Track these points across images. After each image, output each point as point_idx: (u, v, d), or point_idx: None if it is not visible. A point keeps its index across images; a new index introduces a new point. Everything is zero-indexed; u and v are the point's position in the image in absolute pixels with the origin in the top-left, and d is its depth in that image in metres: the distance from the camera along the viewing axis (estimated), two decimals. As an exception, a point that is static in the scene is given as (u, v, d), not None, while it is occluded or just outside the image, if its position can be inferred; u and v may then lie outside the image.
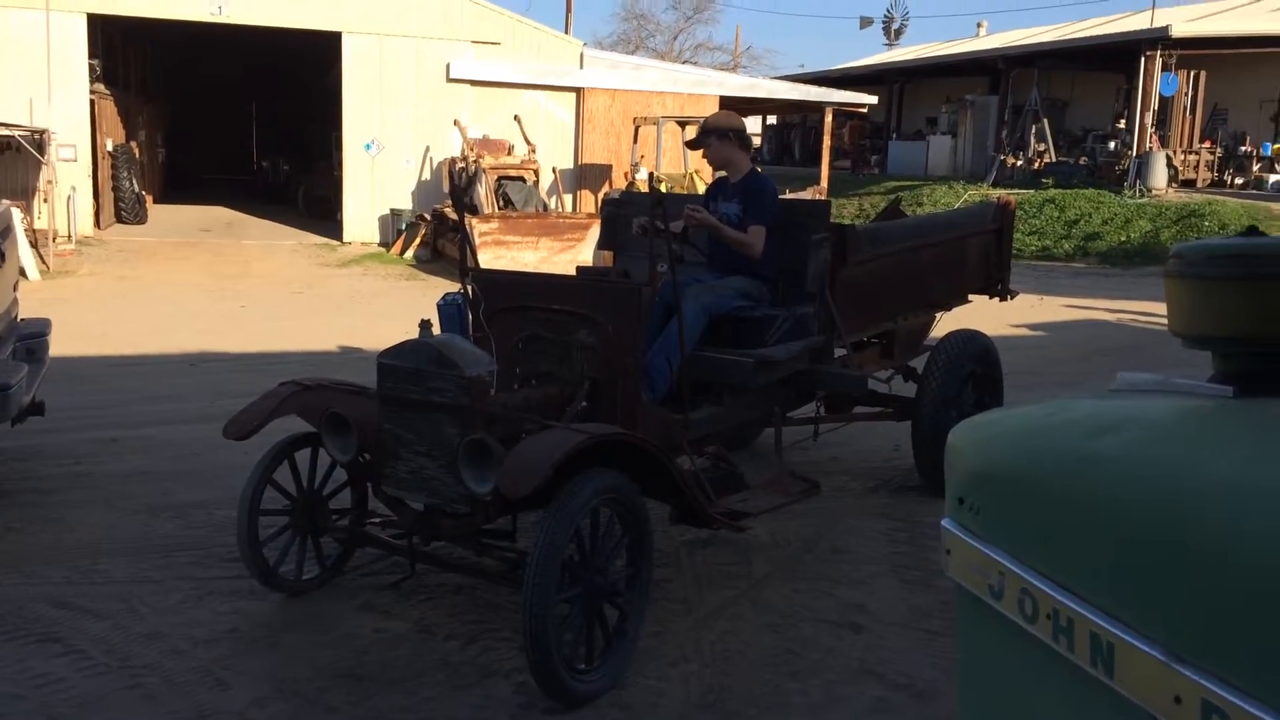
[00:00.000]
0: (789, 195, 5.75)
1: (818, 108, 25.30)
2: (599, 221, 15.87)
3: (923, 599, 4.60)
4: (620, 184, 19.21)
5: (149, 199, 22.14)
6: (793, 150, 38.37)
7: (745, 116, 41.81)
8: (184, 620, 4.26)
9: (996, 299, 6.87)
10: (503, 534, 4.21)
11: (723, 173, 5.52)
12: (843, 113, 28.66)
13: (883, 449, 6.76)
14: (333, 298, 13.45)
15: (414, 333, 8.66)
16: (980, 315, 6.55)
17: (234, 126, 34.75)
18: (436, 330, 5.12)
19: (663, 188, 16.84)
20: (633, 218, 5.40)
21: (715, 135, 5.28)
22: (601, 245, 6.68)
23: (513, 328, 4.49)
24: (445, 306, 5.37)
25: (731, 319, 4.98)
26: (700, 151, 5.68)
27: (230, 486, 5.78)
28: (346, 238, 19.26)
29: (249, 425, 4.30)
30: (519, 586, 3.66)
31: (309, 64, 23.83)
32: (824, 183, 22.40)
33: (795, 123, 39.27)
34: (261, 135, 35.23)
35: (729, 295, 5.04)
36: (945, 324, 6.57)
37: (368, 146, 19.14)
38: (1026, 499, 1.52)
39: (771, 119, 41.63)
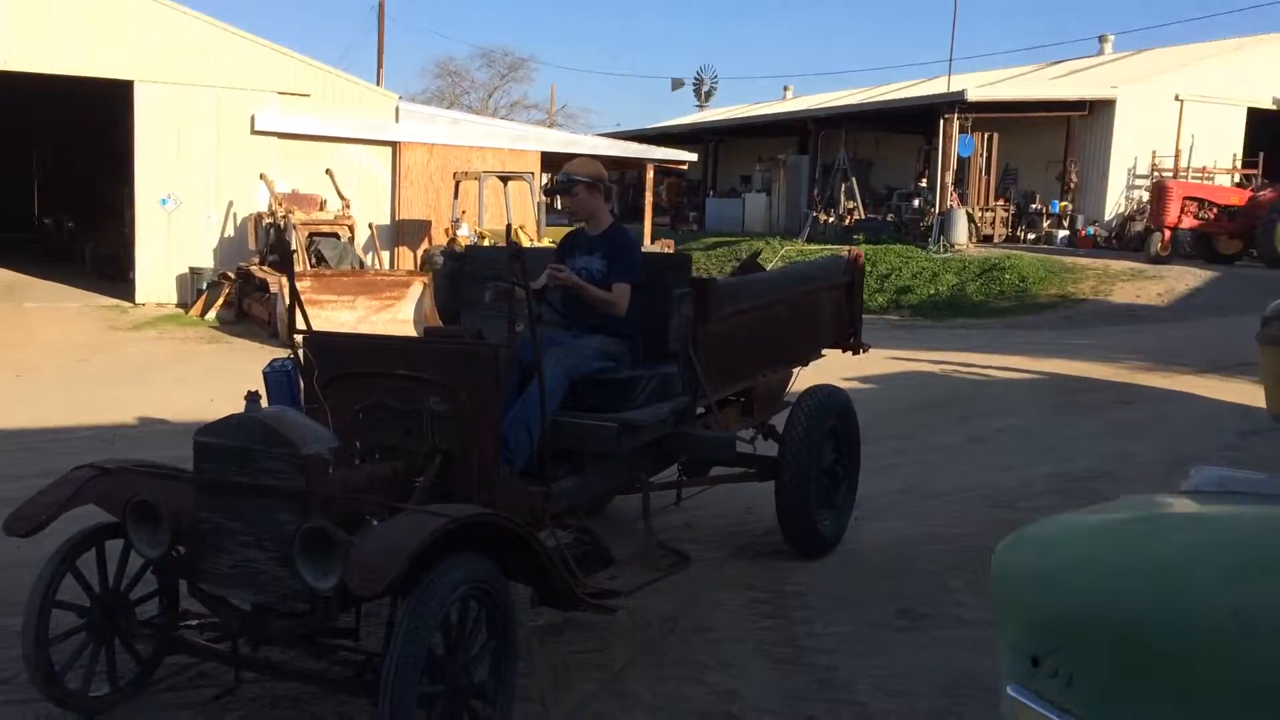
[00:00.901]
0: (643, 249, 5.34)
1: (637, 164, 25.43)
2: (419, 279, 15.41)
3: (795, 681, 4.27)
4: (441, 240, 18.62)
5: (-89, 259, 20.05)
6: (612, 207, 38.52)
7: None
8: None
9: (850, 352, 6.75)
10: (345, 632, 3.66)
11: (581, 225, 5.18)
12: (661, 169, 28.95)
13: (735, 511, 6.47)
14: (125, 364, 12.29)
15: (220, 400, 7.64)
16: (811, 369, 6.44)
17: (14, 181, 32.16)
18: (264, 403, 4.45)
19: (486, 243, 16.39)
20: (480, 274, 4.99)
21: (584, 184, 4.96)
22: (441, 303, 6.23)
23: (352, 396, 4.03)
24: (273, 374, 4.78)
25: (592, 381, 4.65)
26: (554, 199, 5.28)
27: (8, 587, 4.94)
28: (140, 299, 17.85)
29: (37, 519, 3.72)
30: (368, 693, 3.32)
31: (97, 114, 22.24)
32: (647, 239, 22.42)
33: (615, 180, 39.46)
34: (46, 190, 32.76)
35: (590, 355, 4.71)
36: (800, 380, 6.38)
37: (164, 201, 17.89)
38: (1154, 668, 1.07)
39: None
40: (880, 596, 5.16)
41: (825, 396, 5.83)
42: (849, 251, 6.91)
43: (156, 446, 7.93)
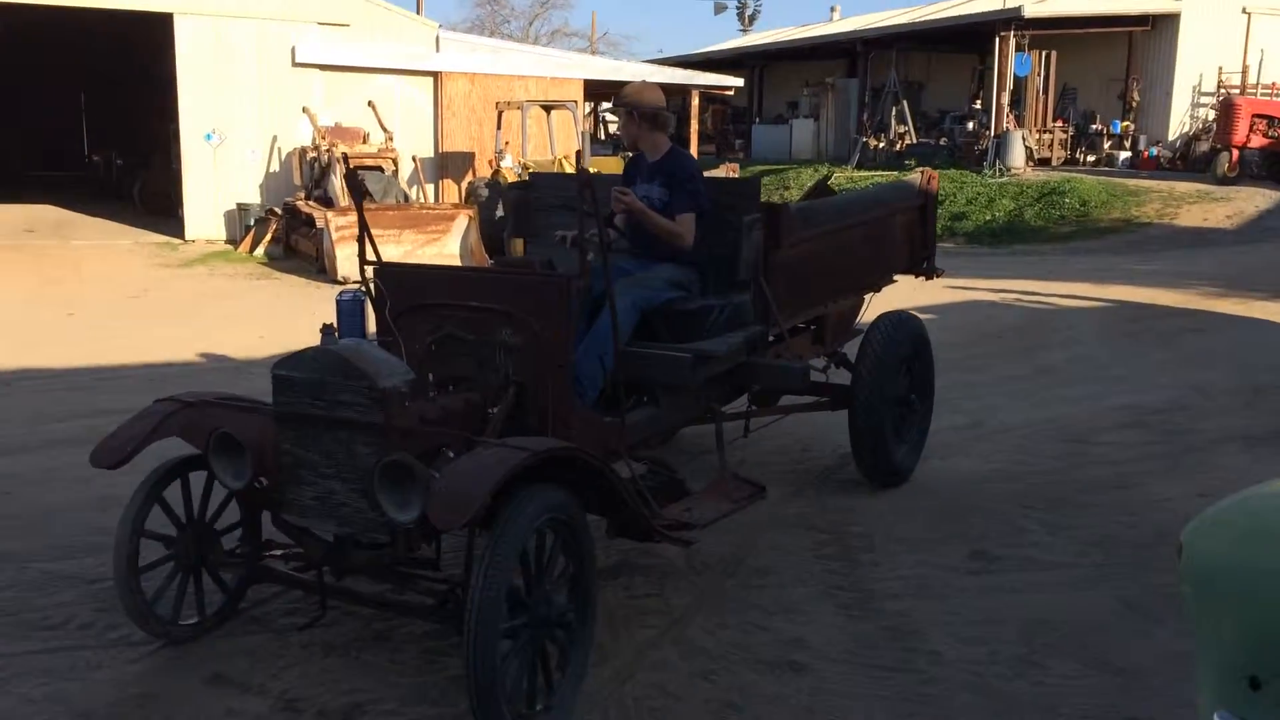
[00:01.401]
0: (707, 174, 5.13)
1: (681, 91, 24.88)
2: (465, 212, 15.20)
3: (865, 627, 4.09)
4: (485, 172, 18.37)
5: (-37, 198, 20.20)
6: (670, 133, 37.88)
7: (608, 102, 41.21)
8: (-20, 718, 3.42)
9: (922, 278, 6.54)
10: (426, 563, 3.66)
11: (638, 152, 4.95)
12: (705, 97, 28.34)
13: (791, 448, 6.27)
14: (175, 301, 12.27)
15: (270, 337, 7.80)
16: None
17: (63, 119, 32.25)
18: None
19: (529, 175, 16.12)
20: (547, 201, 4.87)
21: (625, 110, 4.77)
22: (511, 233, 6.25)
23: (424, 328, 4.02)
24: (345, 303, 4.90)
25: (663, 311, 4.53)
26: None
27: (52, 531, 4.92)
28: (189, 235, 17.85)
29: (122, 451, 3.75)
30: (450, 622, 3.39)
31: (142, 49, 22.10)
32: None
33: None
34: (94, 128, 32.84)
35: (659, 286, 4.57)
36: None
37: (208, 137, 17.78)
38: None
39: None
40: (950, 538, 4.95)
41: (899, 323, 5.68)
42: (922, 173, 6.62)
43: (209, 384, 7.87)
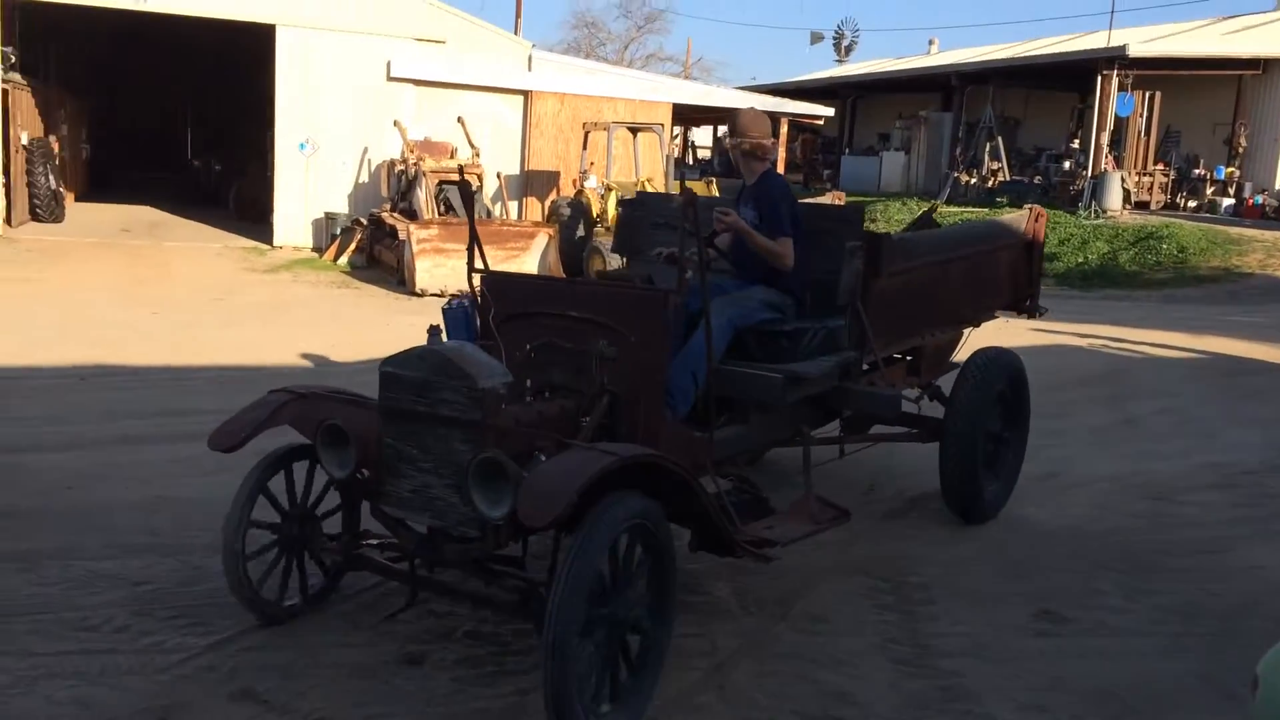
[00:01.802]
0: (811, 200, 5.12)
1: (772, 119, 24.71)
2: (545, 230, 15.23)
3: (916, 685, 3.86)
4: (568, 191, 18.41)
5: (69, 197, 20.89)
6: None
7: (697, 126, 41.18)
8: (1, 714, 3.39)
9: (1026, 315, 6.46)
10: (512, 561, 3.82)
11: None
12: (795, 126, 28.14)
13: (857, 483, 6.04)
14: (255, 306, 12.47)
15: (341, 348, 8.04)
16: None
17: (167, 124, 33.34)
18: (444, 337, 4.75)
19: (611, 197, 16.10)
20: (652, 220, 5.05)
21: (729, 136, 4.96)
22: (616, 249, 6.50)
23: (524, 335, 4.19)
24: (452, 310, 5.00)
25: (757, 332, 4.62)
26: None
27: (105, 529, 4.94)
28: (277, 241, 18.22)
29: (237, 436, 3.96)
30: (532, 619, 3.47)
31: (244, 58, 22.75)
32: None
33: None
34: (196, 133, 33.89)
35: (755, 307, 4.67)
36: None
37: (301, 146, 18.14)
38: None
39: (723, 130, 41.09)
40: (1017, 594, 4.69)
41: (996, 358, 5.65)
42: (1030, 210, 6.48)
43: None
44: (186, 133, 34.33)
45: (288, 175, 18.25)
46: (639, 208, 6.01)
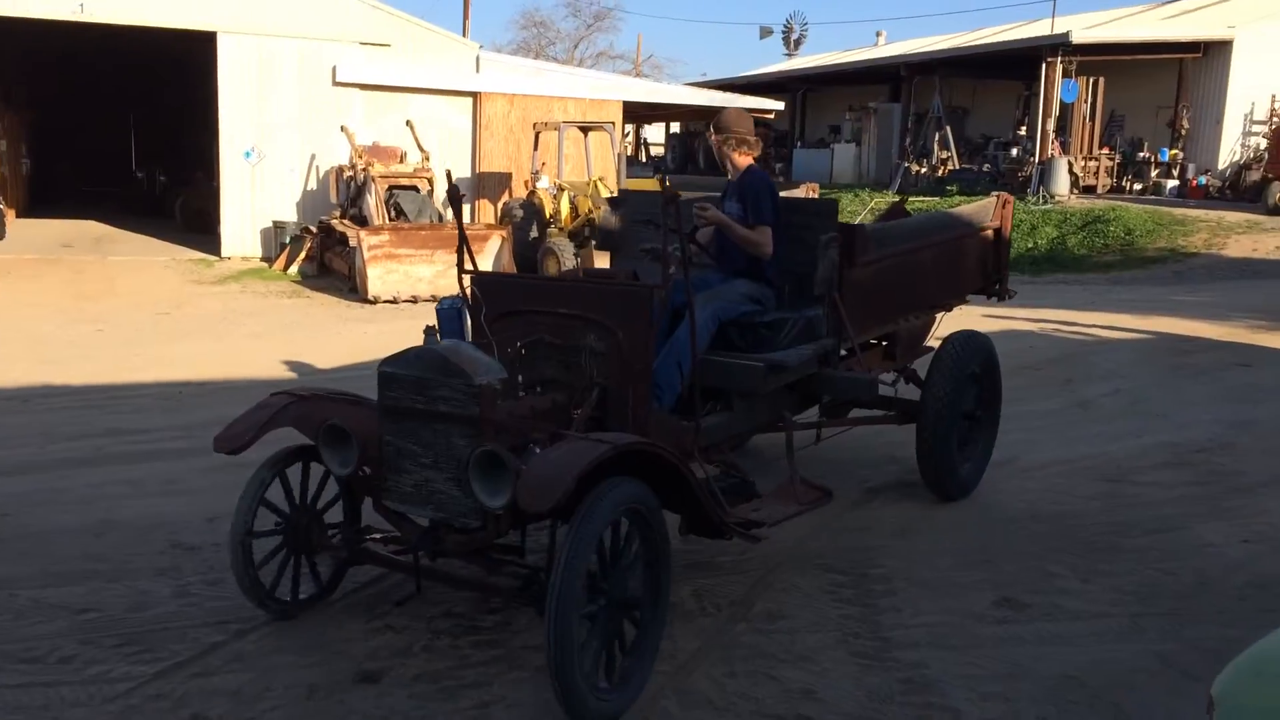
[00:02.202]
0: (787, 194, 5.34)
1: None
2: (498, 232, 15.12)
3: (878, 678, 3.85)
4: (521, 193, 18.32)
5: (10, 214, 20.44)
6: (697, 159, 37.78)
7: (649, 124, 41.16)
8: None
9: (995, 299, 6.68)
10: (512, 549, 3.98)
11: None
12: (747, 120, 28.15)
13: (839, 466, 6.05)
14: (204, 319, 12.27)
15: (293, 358, 8.08)
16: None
17: (110, 136, 32.74)
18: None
19: (564, 197, 16.03)
20: (632, 219, 5.23)
21: (714, 133, 5.20)
22: (599, 246, 6.91)
23: (515, 332, 4.31)
24: (445, 310, 5.23)
25: (739, 323, 4.82)
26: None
27: (47, 556, 4.80)
28: (225, 252, 17.96)
29: (241, 438, 4.04)
30: (534, 603, 3.63)
31: (186, 67, 22.37)
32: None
33: (700, 131, 38.73)
34: (140, 144, 33.31)
35: (736, 299, 4.88)
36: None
37: (247, 154, 17.89)
38: None
39: (675, 127, 41.10)
40: (975, 583, 4.69)
41: (968, 341, 5.83)
42: (997, 197, 6.65)
43: (225, 404, 7.78)
44: (131, 144, 33.73)
45: (234, 184, 17.99)
46: (620, 205, 6.13)
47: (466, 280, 4.55)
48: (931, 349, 5.96)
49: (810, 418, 5.54)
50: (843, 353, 5.29)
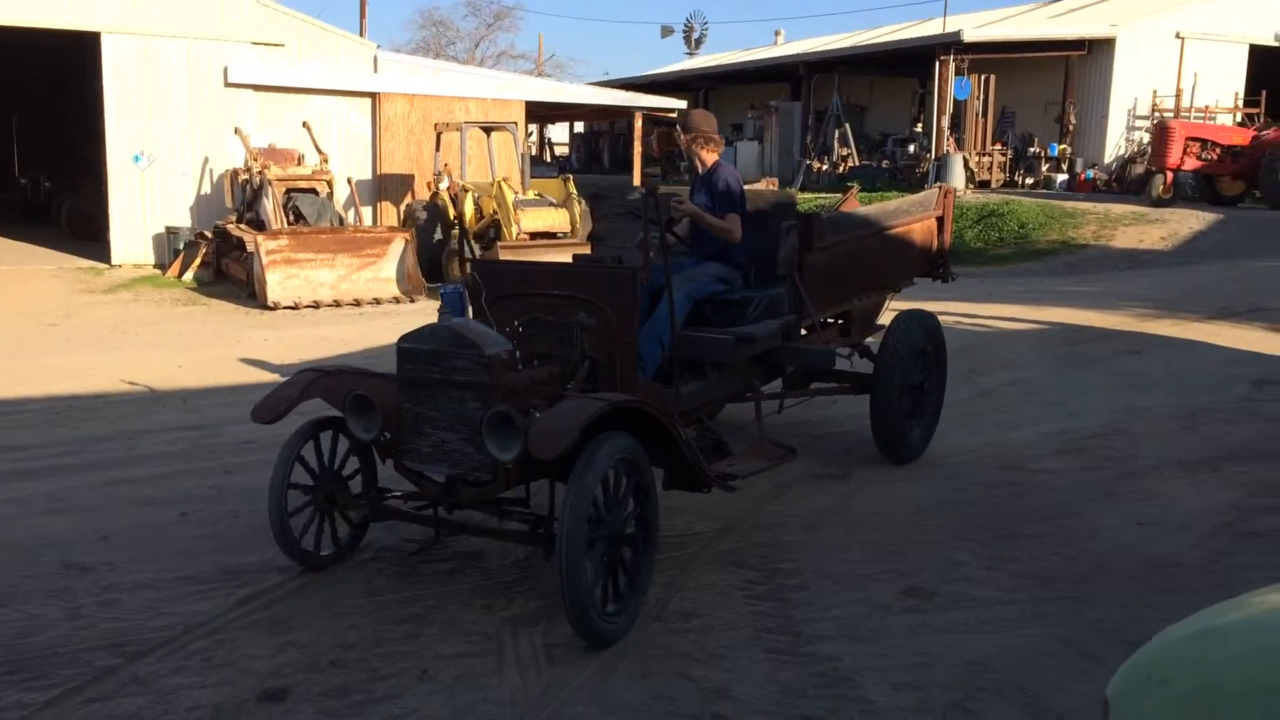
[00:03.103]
0: (750, 187, 6.26)
1: (626, 113, 24.78)
2: (401, 235, 14.88)
3: (792, 673, 3.87)
4: (423, 194, 18.06)
5: (-120, 222, 19.43)
6: (602, 158, 37.84)
7: (552, 123, 41.00)
8: None
9: (939, 280, 7.35)
10: (518, 500, 4.50)
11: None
12: (651, 119, 28.28)
13: (801, 431, 6.15)
14: (94, 329, 11.82)
15: (189, 366, 8.11)
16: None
17: (-10, 141, 31.32)
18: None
19: (469, 198, 15.87)
20: (612, 211, 5.99)
21: (683, 132, 5.81)
22: (588, 238, 7.29)
23: (513, 312, 4.79)
24: (448, 294, 6.00)
25: (711, 302, 5.40)
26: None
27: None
28: (115, 260, 17.32)
29: (276, 409, 4.57)
30: (541, 544, 4.16)
31: (70, 69, 21.53)
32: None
33: (604, 130, 38.76)
34: (22, 149, 31.95)
35: (708, 281, 5.44)
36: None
37: (136, 158, 17.30)
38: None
39: (580, 126, 41.04)
40: (884, 573, 4.77)
41: (916, 318, 6.43)
42: (939, 188, 7.37)
43: (118, 419, 7.52)
44: (12, 149, 32.34)
45: (123, 189, 17.36)
46: (601, 200, 6.92)
47: (468, 267, 5.10)
48: (883, 327, 6.53)
49: (775, 390, 6.14)
50: (804, 330, 5.93)
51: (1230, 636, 1.16)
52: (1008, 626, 4.27)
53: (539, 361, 4.66)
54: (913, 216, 6.95)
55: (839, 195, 22.33)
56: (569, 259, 6.61)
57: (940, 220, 7.15)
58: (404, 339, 4.39)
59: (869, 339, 6.79)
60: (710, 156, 5.69)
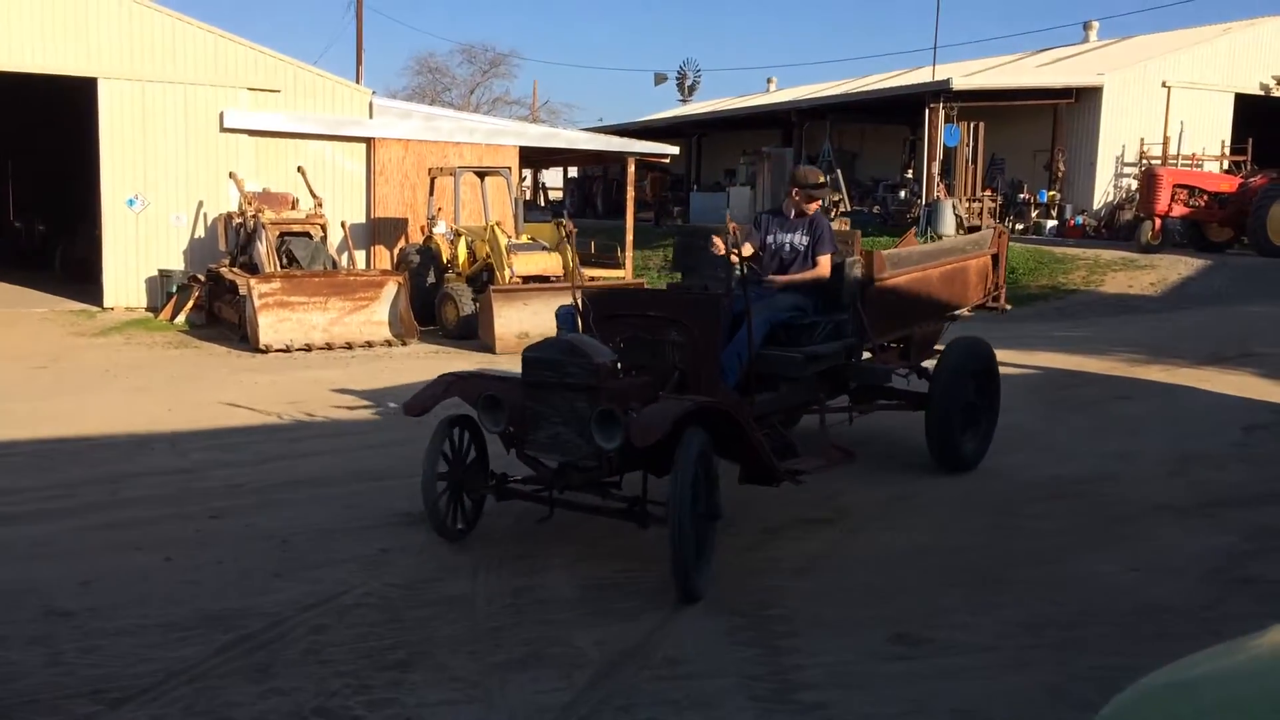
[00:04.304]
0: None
1: (619, 159, 24.96)
2: (394, 279, 14.90)
3: (780, 720, 3.83)
4: (416, 238, 18.12)
5: (-127, 265, 19.45)
6: (595, 203, 38.05)
7: (546, 168, 41.14)
8: None
9: (995, 310, 8.22)
10: (615, 484, 5.29)
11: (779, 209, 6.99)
12: (644, 164, 28.50)
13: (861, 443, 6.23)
14: (84, 372, 11.78)
15: (179, 410, 8.95)
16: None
17: (-14, 185, 31.42)
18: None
19: (461, 242, 15.93)
20: (701, 247, 6.66)
21: (796, 188, 6.79)
22: (674, 268, 8.60)
23: (616, 331, 5.68)
24: (563, 314, 6.41)
25: (785, 325, 6.20)
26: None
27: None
28: (108, 303, 17.33)
29: (424, 405, 5.60)
30: (636, 519, 5.04)
31: (66, 113, 21.66)
32: (629, 235, 21.92)
33: (597, 175, 39.04)
34: (17, 193, 32.06)
35: (784, 308, 6.31)
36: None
37: (131, 202, 17.37)
38: None
39: (573, 171, 41.31)
40: (872, 619, 4.73)
41: (970, 344, 7.18)
42: (994, 229, 8.28)
43: (104, 463, 7.48)
44: (8, 193, 32.44)
45: (116, 233, 17.42)
46: (691, 235, 7.85)
47: (579, 293, 6.08)
48: (940, 351, 7.27)
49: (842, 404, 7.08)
50: (866, 354, 6.88)
51: (1201, 689, 1.15)
52: (997, 673, 4.23)
53: (636, 372, 5.52)
54: (967, 254, 7.75)
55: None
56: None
57: (995, 258, 8.00)
58: (528, 350, 5.26)
59: (926, 362, 7.42)
60: (813, 207, 6.76)
